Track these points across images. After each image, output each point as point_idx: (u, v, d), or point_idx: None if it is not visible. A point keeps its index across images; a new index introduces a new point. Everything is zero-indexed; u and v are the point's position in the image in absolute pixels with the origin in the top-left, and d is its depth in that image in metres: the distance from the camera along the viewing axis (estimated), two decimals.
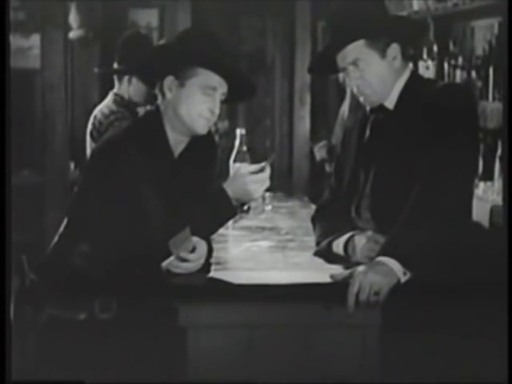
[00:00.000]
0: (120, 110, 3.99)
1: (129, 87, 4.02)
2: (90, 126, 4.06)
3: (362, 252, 2.75)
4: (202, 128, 2.76)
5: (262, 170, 2.69)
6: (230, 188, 2.69)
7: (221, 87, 2.75)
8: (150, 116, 2.85)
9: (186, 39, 2.79)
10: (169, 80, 2.75)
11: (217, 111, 2.74)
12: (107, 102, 4.09)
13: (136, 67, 3.21)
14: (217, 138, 4.26)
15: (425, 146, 2.66)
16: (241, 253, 3.03)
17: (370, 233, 2.78)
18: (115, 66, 4.08)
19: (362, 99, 2.81)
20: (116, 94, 4.09)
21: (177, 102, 2.75)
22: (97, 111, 4.09)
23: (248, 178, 2.68)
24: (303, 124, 6.84)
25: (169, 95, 2.76)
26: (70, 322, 2.63)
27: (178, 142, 2.80)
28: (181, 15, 7.29)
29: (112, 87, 4.15)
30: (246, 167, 2.74)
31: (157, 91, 2.80)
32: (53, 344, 2.65)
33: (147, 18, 7.43)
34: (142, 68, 2.92)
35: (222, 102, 2.78)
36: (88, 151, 4.05)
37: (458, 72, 4.23)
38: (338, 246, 2.82)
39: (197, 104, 2.73)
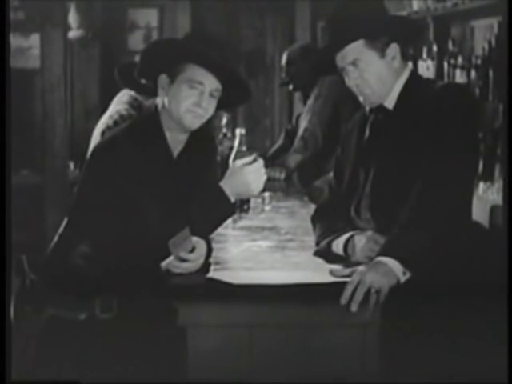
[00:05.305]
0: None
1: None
2: (103, 126, 4.00)
3: (362, 252, 2.75)
4: (189, 122, 2.75)
5: (254, 161, 2.71)
6: (229, 185, 2.70)
7: (209, 82, 2.74)
8: (148, 116, 2.85)
9: (182, 39, 2.81)
10: (162, 78, 2.77)
11: (204, 105, 2.74)
12: (124, 105, 4.01)
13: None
14: (220, 136, 4.30)
15: (424, 146, 2.66)
16: (240, 253, 3.03)
17: (369, 233, 2.78)
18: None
19: (361, 99, 2.81)
20: (135, 99, 4.01)
21: (168, 99, 2.76)
22: (113, 112, 4.00)
23: (244, 169, 2.70)
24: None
25: (162, 93, 2.77)
26: (70, 322, 2.64)
27: (176, 142, 2.81)
28: (180, 15, 7.30)
29: (113, 88, 4.10)
30: (239, 161, 2.75)
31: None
32: (53, 344, 2.66)
33: (147, 18, 7.44)
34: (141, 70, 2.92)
35: (219, 107, 2.78)
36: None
37: (458, 72, 4.22)
38: (338, 245, 2.82)
39: (183, 98, 2.73)
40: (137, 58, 2.95)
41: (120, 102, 4.05)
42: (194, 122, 2.76)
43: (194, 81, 2.73)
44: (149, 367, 2.59)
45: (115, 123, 3.91)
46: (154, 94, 2.88)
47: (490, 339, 2.56)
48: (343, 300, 2.49)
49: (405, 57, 2.83)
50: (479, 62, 4.03)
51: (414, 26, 3.02)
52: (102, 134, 3.92)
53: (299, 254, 2.96)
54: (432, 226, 2.58)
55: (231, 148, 3.54)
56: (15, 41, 5.24)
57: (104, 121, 4.01)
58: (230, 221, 3.07)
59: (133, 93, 4.02)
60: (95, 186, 2.72)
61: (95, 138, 4.00)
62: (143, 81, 2.90)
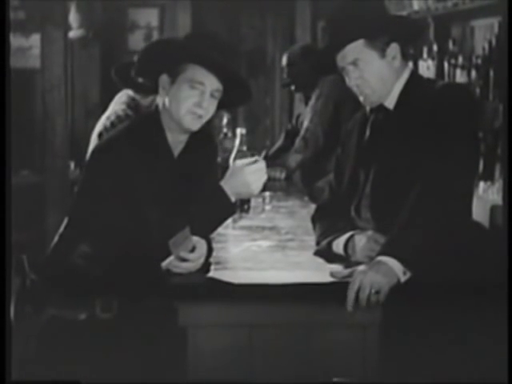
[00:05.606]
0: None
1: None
2: (100, 127, 3.99)
3: (362, 252, 2.75)
4: (189, 124, 2.74)
5: (256, 162, 2.71)
6: (229, 184, 2.70)
7: (210, 83, 2.73)
8: (149, 116, 2.85)
9: (184, 39, 2.81)
10: (163, 78, 2.76)
11: (205, 105, 2.73)
12: (121, 105, 4.01)
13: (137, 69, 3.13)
14: (221, 136, 4.31)
15: (425, 146, 2.66)
16: (241, 252, 3.03)
17: (370, 232, 2.78)
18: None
19: (361, 99, 2.81)
20: (133, 100, 4.00)
21: (168, 99, 2.76)
22: (110, 113, 4.00)
23: (245, 169, 2.70)
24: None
25: (162, 94, 2.77)
26: (70, 322, 2.63)
27: (177, 142, 2.81)
28: (181, 15, 7.30)
29: (114, 88, 4.10)
30: (240, 161, 2.75)
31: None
32: (53, 344, 2.66)
33: (147, 18, 7.44)
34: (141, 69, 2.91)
35: (220, 107, 2.78)
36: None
37: (458, 71, 4.23)
38: (338, 245, 2.82)
39: (184, 98, 2.72)
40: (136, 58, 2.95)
41: (118, 103, 4.05)
42: (194, 124, 2.75)
43: (194, 81, 2.72)
44: (149, 367, 2.59)
45: (112, 124, 3.91)
46: (151, 92, 2.87)
47: (489, 339, 2.56)
48: (349, 307, 2.49)
49: (405, 57, 2.83)
50: (479, 61, 4.03)
51: (414, 25, 3.02)
52: (100, 135, 3.93)
53: (299, 253, 2.96)
54: (432, 226, 2.58)
55: (232, 148, 3.55)
56: (15, 41, 5.24)
57: (102, 122, 4.01)
58: (230, 220, 3.07)
59: (131, 93, 4.02)
60: (95, 186, 2.72)
61: (94, 140, 4.00)
62: (140, 79, 2.90)
